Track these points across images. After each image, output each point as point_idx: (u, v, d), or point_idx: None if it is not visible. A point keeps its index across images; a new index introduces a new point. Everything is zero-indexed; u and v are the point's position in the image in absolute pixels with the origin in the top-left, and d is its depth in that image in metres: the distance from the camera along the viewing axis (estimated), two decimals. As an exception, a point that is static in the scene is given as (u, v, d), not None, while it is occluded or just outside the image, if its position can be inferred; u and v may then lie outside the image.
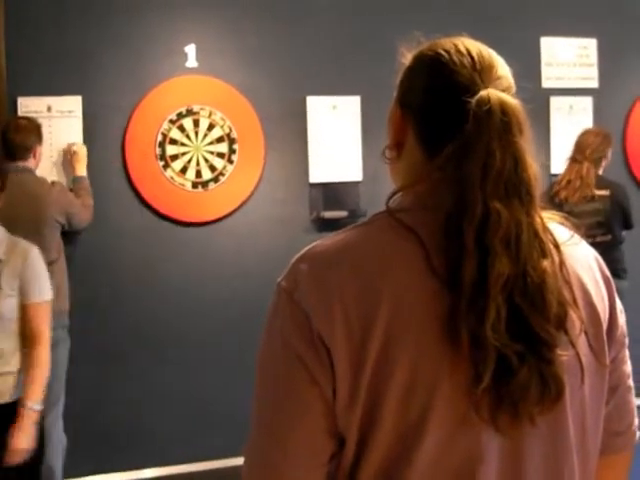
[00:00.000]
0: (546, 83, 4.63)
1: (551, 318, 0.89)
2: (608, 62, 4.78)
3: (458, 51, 0.99)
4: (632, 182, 4.82)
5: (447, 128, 0.94)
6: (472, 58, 0.98)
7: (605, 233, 4.17)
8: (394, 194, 0.99)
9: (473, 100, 0.92)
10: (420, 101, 1.01)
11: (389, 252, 0.92)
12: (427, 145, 1.00)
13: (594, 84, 4.80)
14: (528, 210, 0.91)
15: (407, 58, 1.06)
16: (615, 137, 4.59)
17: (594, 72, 4.80)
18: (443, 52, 0.99)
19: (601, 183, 4.16)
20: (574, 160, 4.16)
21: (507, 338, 0.87)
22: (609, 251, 4.14)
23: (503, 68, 1.00)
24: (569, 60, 4.75)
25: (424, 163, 0.99)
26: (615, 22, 4.75)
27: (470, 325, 0.86)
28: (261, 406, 0.96)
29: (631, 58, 4.83)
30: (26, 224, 3.22)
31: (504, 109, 0.91)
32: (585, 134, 4.24)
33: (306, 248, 0.98)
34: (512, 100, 0.94)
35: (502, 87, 0.96)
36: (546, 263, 0.91)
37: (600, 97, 4.77)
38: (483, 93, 0.93)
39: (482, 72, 0.97)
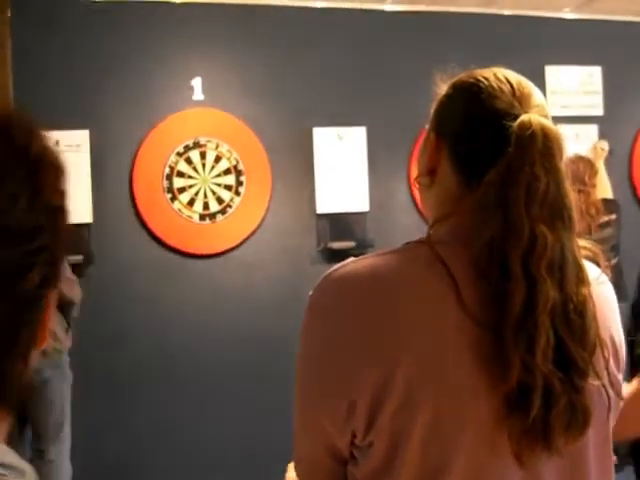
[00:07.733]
0: (551, 111, 4.61)
1: (588, 346, 0.89)
2: (613, 89, 4.78)
3: (497, 78, 0.99)
4: (640, 210, 4.82)
5: (484, 153, 0.94)
6: (511, 85, 0.98)
7: (616, 255, 4.14)
8: (434, 224, 0.98)
9: (515, 124, 0.92)
10: (458, 127, 1.01)
11: (419, 284, 0.92)
12: (463, 171, 0.99)
13: (599, 112, 4.80)
14: (569, 235, 0.91)
15: (442, 88, 1.06)
16: (621, 165, 4.57)
17: (599, 100, 4.80)
18: (482, 79, 1.00)
19: (607, 206, 4.12)
20: (577, 191, 4.07)
21: (552, 365, 0.86)
22: (620, 274, 4.10)
23: (540, 97, 1.00)
24: (574, 88, 4.76)
25: (459, 190, 0.99)
26: (620, 49, 4.77)
27: (520, 353, 0.85)
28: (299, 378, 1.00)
29: (636, 85, 4.83)
30: None
31: (546, 133, 0.92)
32: (573, 163, 4.13)
33: (339, 265, 0.97)
34: (552, 125, 0.94)
35: (540, 114, 0.96)
36: (586, 290, 0.91)
37: (606, 125, 4.76)
38: (524, 117, 0.93)
39: (521, 98, 0.97)
